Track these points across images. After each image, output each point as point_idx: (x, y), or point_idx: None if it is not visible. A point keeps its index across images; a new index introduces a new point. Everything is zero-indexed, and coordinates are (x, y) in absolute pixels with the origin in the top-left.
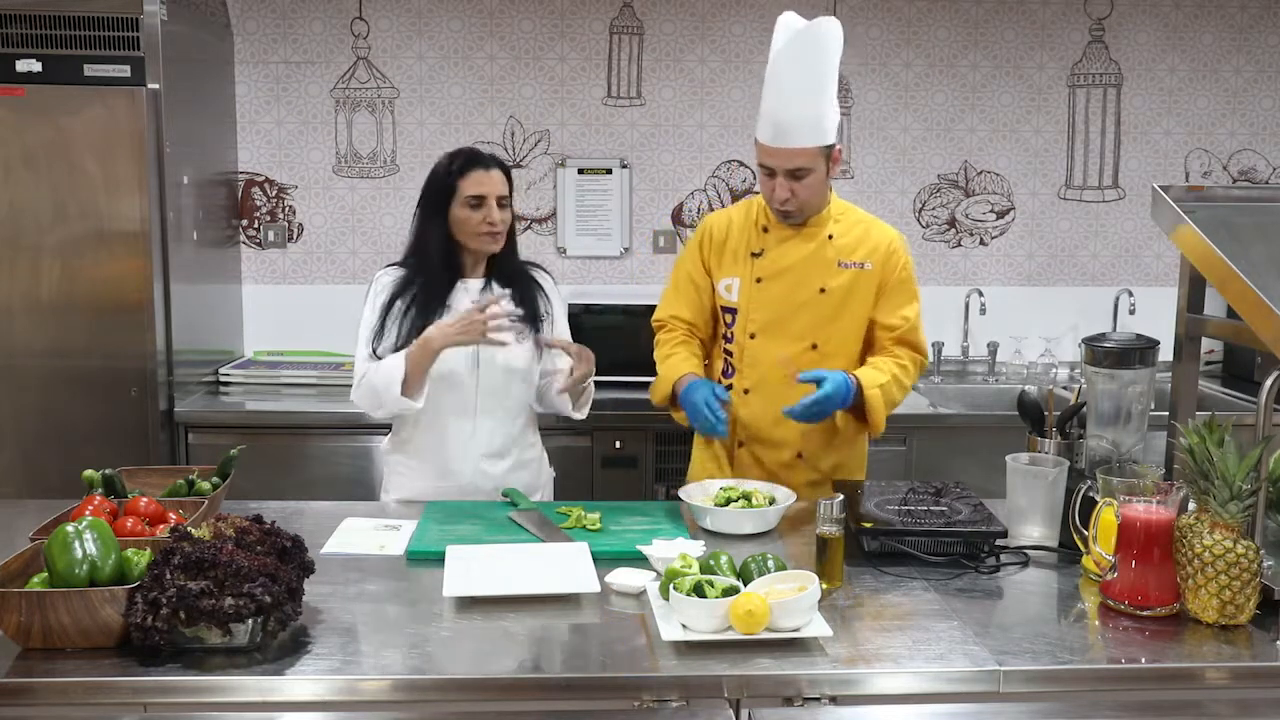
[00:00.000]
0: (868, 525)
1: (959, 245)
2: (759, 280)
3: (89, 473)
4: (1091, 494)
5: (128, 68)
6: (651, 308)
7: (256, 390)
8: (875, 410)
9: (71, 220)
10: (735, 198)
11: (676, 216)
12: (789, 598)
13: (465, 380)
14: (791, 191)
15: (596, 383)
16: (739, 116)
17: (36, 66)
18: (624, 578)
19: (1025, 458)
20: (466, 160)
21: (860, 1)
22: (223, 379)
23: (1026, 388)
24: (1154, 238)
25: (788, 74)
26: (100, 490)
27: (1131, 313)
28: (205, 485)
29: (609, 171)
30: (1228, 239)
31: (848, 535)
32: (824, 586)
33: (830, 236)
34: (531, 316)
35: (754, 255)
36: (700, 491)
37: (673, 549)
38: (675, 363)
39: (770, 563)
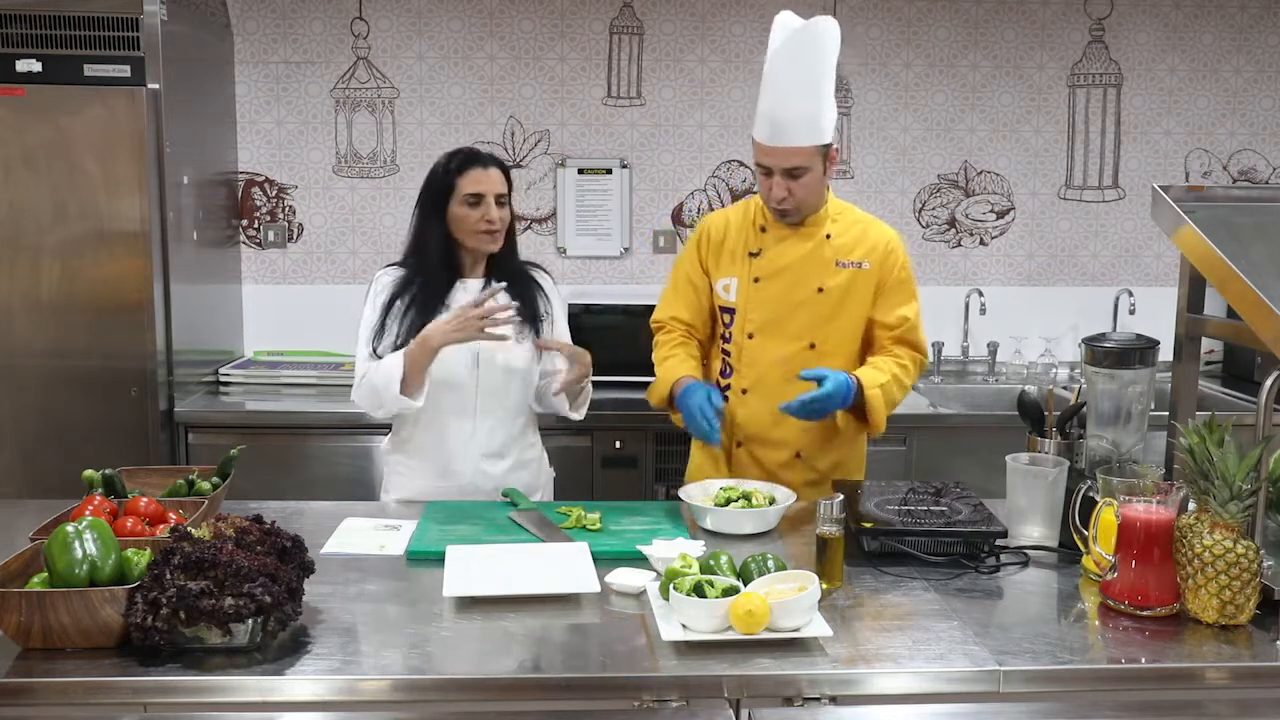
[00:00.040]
0: (868, 525)
1: (959, 245)
2: (757, 280)
3: (89, 473)
4: (1091, 494)
5: (128, 68)
6: (651, 308)
7: (256, 390)
8: (876, 410)
9: (71, 220)
10: (735, 198)
11: (676, 216)
12: (789, 598)
13: (465, 380)
14: (788, 190)
15: (596, 383)
16: (739, 116)
17: (36, 66)
18: (624, 578)
19: (1025, 458)
20: (465, 159)
21: (860, 1)
22: (223, 379)
23: (1026, 388)
24: (1154, 238)
25: (784, 73)
26: (100, 490)
27: (1131, 313)
28: (205, 485)
29: (609, 171)
30: (1228, 239)
31: (848, 535)
32: (824, 586)
33: (828, 236)
34: (531, 316)
35: (752, 255)
36: (700, 491)
37: (673, 549)
38: (673, 365)
39: (770, 563)
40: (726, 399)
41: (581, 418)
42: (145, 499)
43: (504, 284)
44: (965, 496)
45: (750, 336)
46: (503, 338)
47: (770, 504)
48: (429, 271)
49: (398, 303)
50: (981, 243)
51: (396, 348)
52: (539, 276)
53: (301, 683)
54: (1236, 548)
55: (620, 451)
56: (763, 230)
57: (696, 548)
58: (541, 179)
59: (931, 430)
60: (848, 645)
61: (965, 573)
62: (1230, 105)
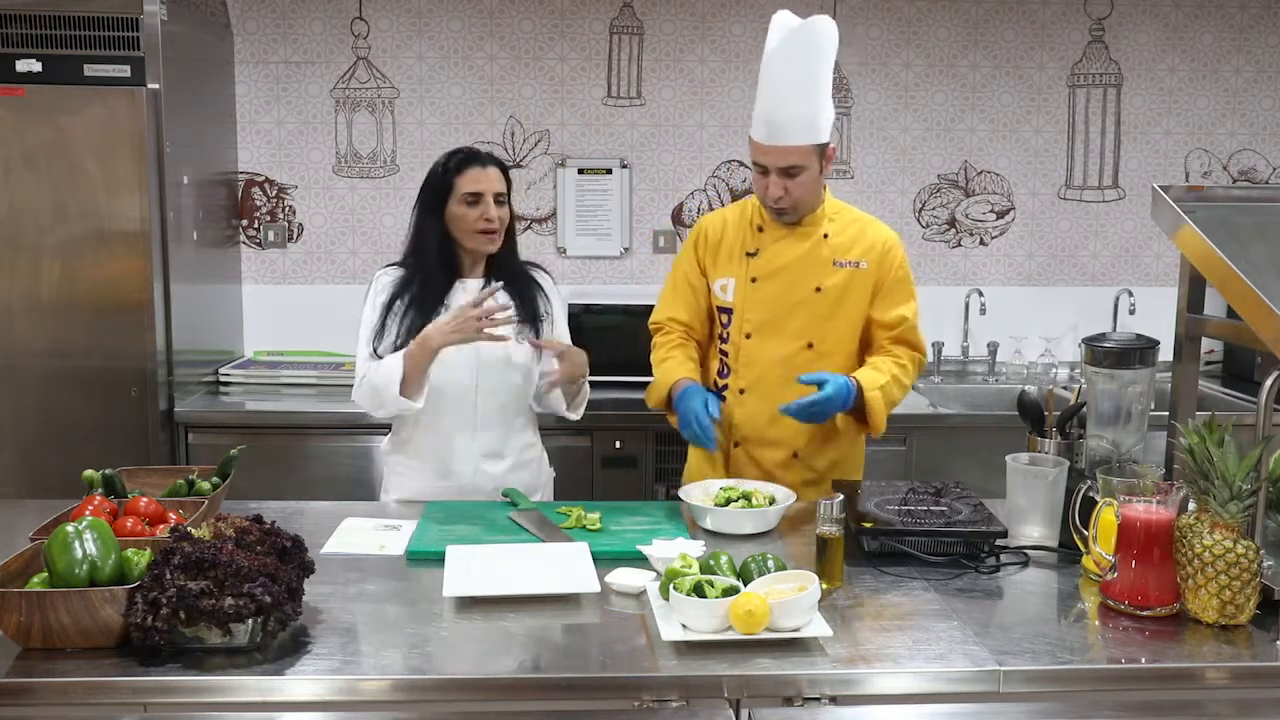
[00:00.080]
0: (868, 525)
1: (959, 245)
2: (754, 280)
3: (89, 473)
4: (1091, 494)
5: (128, 68)
6: (651, 308)
7: (256, 390)
8: (876, 412)
9: (71, 220)
10: (735, 197)
11: (676, 216)
12: (789, 598)
13: (465, 381)
14: (785, 190)
15: (596, 383)
16: (739, 116)
17: (36, 66)
18: (624, 578)
19: (1025, 458)
20: (463, 158)
21: (860, 1)
22: (223, 379)
23: (1026, 388)
24: (1154, 238)
25: (782, 72)
26: (100, 490)
27: (1131, 313)
28: (205, 485)
29: (609, 171)
30: (1228, 239)
31: (848, 535)
32: (824, 586)
33: (825, 235)
34: (531, 316)
35: (749, 255)
36: (700, 491)
37: (673, 549)
38: (670, 367)
39: (770, 563)
40: (724, 399)
41: (579, 417)
42: (145, 499)
43: (501, 283)
44: (965, 496)
45: (748, 336)
46: (502, 338)
47: (770, 504)
48: (428, 271)
49: (397, 303)
50: (981, 243)
51: (396, 348)
52: (539, 276)
53: (301, 683)
54: (1236, 548)
55: (620, 451)
56: (760, 230)
57: (696, 548)
58: (541, 179)
59: (931, 430)
60: (848, 645)
61: (965, 573)
62: (1230, 105)
